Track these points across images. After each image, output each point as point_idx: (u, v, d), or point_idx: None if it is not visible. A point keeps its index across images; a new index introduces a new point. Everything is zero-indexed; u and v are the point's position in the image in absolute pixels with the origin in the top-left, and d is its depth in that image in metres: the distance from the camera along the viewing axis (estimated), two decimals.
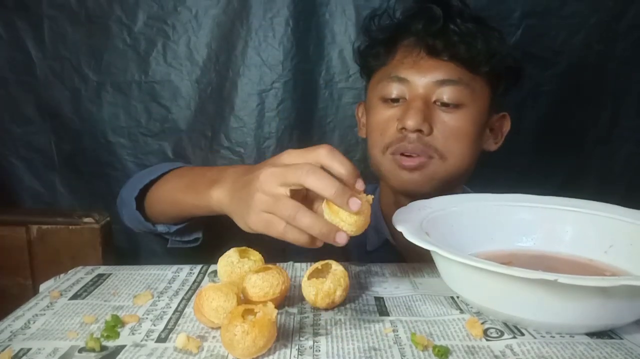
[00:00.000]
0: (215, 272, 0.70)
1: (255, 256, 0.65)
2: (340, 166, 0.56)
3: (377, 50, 0.93)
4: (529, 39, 1.18)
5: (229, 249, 0.65)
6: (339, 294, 0.60)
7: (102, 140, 1.23)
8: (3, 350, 0.51)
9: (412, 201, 0.83)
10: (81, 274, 0.73)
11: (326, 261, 0.62)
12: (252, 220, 0.59)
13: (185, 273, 0.74)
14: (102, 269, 0.75)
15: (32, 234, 1.18)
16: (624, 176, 1.28)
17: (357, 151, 1.22)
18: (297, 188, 0.57)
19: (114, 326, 0.56)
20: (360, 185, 0.57)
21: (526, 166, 1.27)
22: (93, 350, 0.52)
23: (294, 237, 0.56)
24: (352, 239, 0.86)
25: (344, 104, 1.22)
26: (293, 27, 1.17)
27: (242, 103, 1.22)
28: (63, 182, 1.26)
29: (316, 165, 0.56)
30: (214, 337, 0.55)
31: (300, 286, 0.62)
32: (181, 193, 0.79)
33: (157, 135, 1.22)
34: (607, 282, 0.48)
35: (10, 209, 1.25)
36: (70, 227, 1.14)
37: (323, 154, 0.57)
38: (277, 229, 0.57)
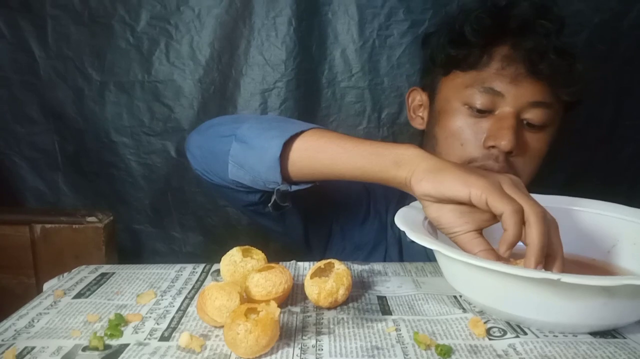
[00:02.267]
0: (218, 271, 0.71)
1: (258, 255, 0.65)
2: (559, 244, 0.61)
3: (469, 51, 0.86)
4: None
5: (232, 248, 0.65)
6: (341, 293, 0.60)
7: (105, 140, 1.23)
8: (7, 349, 0.51)
9: None
10: (84, 273, 0.74)
11: (329, 260, 0.62)
12: (484, 184, 0.58)
13: (188, 271, 0.74)
14: (106, 268, 0.76)
15: (36, 233, 1.18)
16: (626, 176, 1.28)
17: None
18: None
19: (118, 324, 0.56)
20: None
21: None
22: (96, 349, 0.52)
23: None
24: (390, 230, 0.90)
25: (347, 103, 1.22)
26: (296, 26, 1.17)
27: (245, 102, 1.22)
28: (66, 181, 1.27)
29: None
30: (216, 336, 0.55)
31: (303, 285, 0.62)
32: (362, 159, 0.68)
33: (160, 134, 1.23)
34: (611, 281, 0.48)
35: (13, 209, 1.26)
36: (74, 226, 1.14)
37: (554, 227, 0.61)
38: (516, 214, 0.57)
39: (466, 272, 0.57)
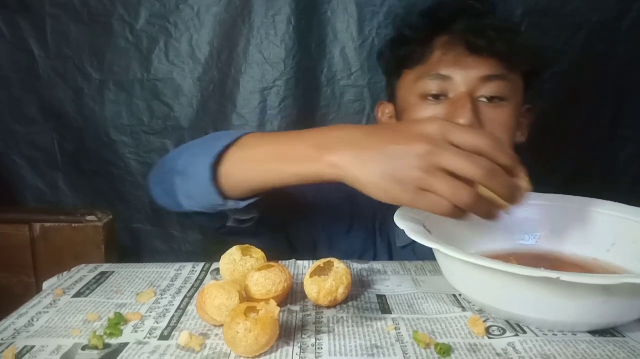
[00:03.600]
0: (217, 270, 0.71)
1: (258, 253, 0.65)
2: (507, 159, 0.56)
3: (411, 49, 0.90)
4: (531, 38, 1.18)
5: (232, 247, 0.65)
6: (341, 292, 0.60)
7: (104, 138, 1.23)
8: (7, 348, 0.51)
9: None
10: (84, 272, 0.74)
11: (328, 259, 0.62)
12: (408, 197, 0.56)
13: (188, 270, 0.74)
14: (105, 267, 0.76)
15: (35, 232, 1.18)
16: (626, 175, 1.28)
17: None
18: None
19: (117, 323, 0.56)
20: (525, 184, 0.59)
21: (528, 164, 1.26)
22: (96, 348, 0.52)
23: (482, 210, 0.57)
24: (378, 238, 0.89)
25: (346, 102, 1.22)
26: (295, 25, 1.17)
27: (245, 101, 1.22)
28: (66, 180, 1.27)
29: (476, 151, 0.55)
30: (216, 335, 0.55)
31: (302, 284, 0.62)
32: (274, 162, 0.67)
33: (160, 133, 1.23)
34: (610, 280, 0.48)
35: (13, 208, 1.26)
36: (74, 225, 1.14)
37: (489, 145, 0.55)
38: (440, 207, 0.55)
39: (465, 271, 0.57)
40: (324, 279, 0.60)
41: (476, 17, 0.87)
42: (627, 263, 0.64)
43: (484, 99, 0.84)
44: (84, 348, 0.52)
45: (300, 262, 0.76)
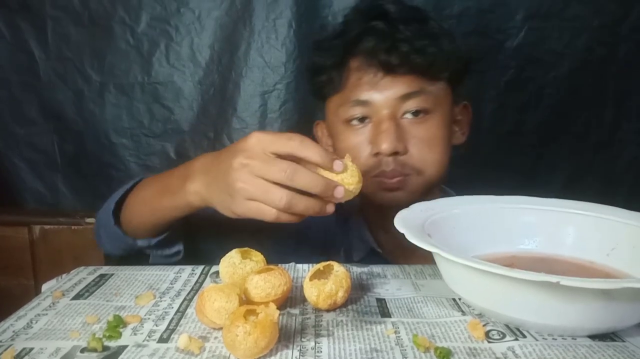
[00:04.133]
0: (217, 273, 0.70)
1: (257, 256, 0.65)
2: (314, 154, 0.59)
3: (328, 76, 0.89)
4: (531, 42, 1.19)
5: (231, 250, 0.65)
6: (340, 295, 0.60)
7: (104, 141, 1.23)
8: (5, 350, 0.51)
9: (393, 210, 0.86)
10: (83, 275, 0.73)
11: (328, 262, 0.62)
12: (240, 208, 0.61)
13: (187, 273, 0.74)
14: (104, 269, 0.75)
15: (35, 234, 1.18)
16: (626, 178, 1.28)
17: None
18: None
19: (116, 326, 0.56)
20: (338, 166, 0.60)
21: (528, 168, 1.27)
22: (95, 350, 0.52)
23: (299, 207, 0.59)
24: (339, 250, 0.90)
25: None
26: (296, 28, 1.17)
27: (245, 104, 1.22)
28: (65, 182, 1.27)
29: (290, 155, 0.59)
30: (215, 338, 0.55)
31: (302, 287, 0.62)
32: (156, 199, 0.77)
33: (160, 136, 1.23)
34: (610, 284, 0.48)
35: (12, 210, 1.26)
36: (73, 227, 1.14)
37: (296, 147, 0.59)
38: (264, 212, 0.60)
39: (465, 275, 0.57)
40: (324, 282, 0.59)
41: (385, 36, 0.83)
42: (627, 267, 0.64)
43: (408, 116, 0.84)
44: (83, 350, 0.52)
45: (299, 266, 0.75)
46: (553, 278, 0.47)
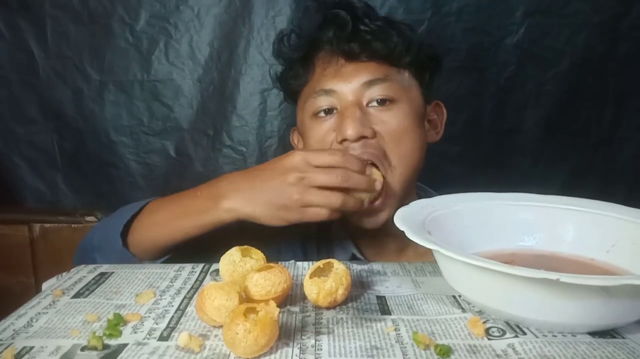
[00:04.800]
0: (217, 271, 0.70)
1: (257, 254, 0.64)
2: (354, 163, 0.75)
3: (295, 71, 0.91)
4: (531, 39, 1.19)
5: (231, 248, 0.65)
6: (340, 293, 0.60)
7: (104, 139, 1.23)
8: (6, 348, 0.51)
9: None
10: (83, 273, 0.73)
11: (328, 260, 0.62)
12: (296, 216, 0.74)
13: (187, 271, 0.74)
14: (105, 267, 0.75)
15: (35, 232, 1.18)
16: (626, 176, 1.28)
17: None
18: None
19: (116, 324, 0.56)
20: (368, 170, 0.77)
21: (528, 165, 1.27)
22: (95, 348, 0.52)
23: (350, 204, 0.75)
24: (316, 255, 0.94)
25: None
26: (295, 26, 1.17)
27: (244, 102, 1.22)
28: (65, 181, 1.27)
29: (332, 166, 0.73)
30: (215, 336, 0.55)
31: (302, 284, 0.62)
32: (179, 220, 0.80)
33: (160, 134, 1.23)
34: (610, 281, 0.48)
35: (12, 208, 1.26)
36: (73, 225, 1.14)
37: (338, 159, 0.74)
38: (321, 214, 0.74)
39: (465, 272, 0.57)
40: (324, 280, 0.59)
41: (347, 24, 0.84)
42: (626, 264, 0.64)
43: (374, 104, 0.83)
44: (83, 348, 0.52)
45: (299, 264, 0.75)
46: (553, 275, 0.47)
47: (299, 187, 0.72)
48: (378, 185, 0.78)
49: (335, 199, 0.72)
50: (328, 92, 0.84)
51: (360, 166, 0.75)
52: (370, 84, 0.83)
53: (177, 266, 0.76)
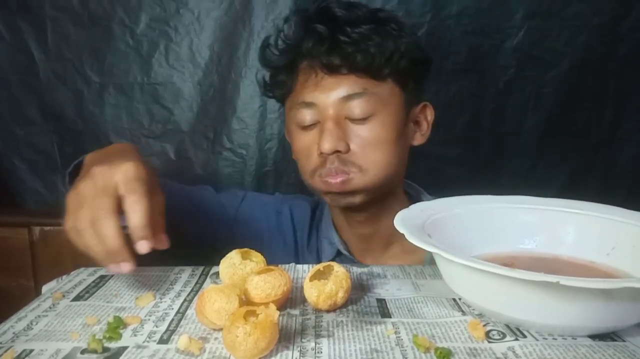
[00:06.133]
0: (217, 273, 0.70)
1: (257, 257, 0.65)
2: (133, 214, 0.61)
3: (280, 79, 0.91)
4: (531, 41, 1.19)
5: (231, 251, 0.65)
6: (340, 295, 0.60)
7: (104, 141, 1.23)
8: (6, 351, 0.51)
9: (355, 212, 0.92)
10: (83, 276, 0.73)
11: (328, 263, 0.62)
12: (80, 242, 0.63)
13: (187, 274, 0.74)
14: (105, 270, 0.75)
15: (35, 235, 1.18)
16: (626, 178, 1.28)
17: None
18: None
19: (116, 327, 0.56)
20: (142, 247, 0.63)
21: (528, 167, 1.27)
22: (95, 351, 0.52)
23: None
24: (311, 252, 0.96)
25: None
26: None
27: (244, 105, 1.22)
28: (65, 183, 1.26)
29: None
30: (215, 338, 0.55)
31: (302, 287, 0.62)
32: None
33: (160, 137, 1.23)
34: (610, 284, 0.48)
35: (12, 211, 1.26)
36: None
37: (120, 186, 0.61)
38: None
39: (465, 275, 0.57)
40: (324, 283, 0.59)
41: (324, 37, 0.84)
42: (627, 267, 0.64)
43: (354, 116, 0.84)
44: (83, 351, 0.52)
45: (299, 266, 0.76)
46: (553, 278, 0.47)
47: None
48: (126, 268, 0.63)
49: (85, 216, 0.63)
50: (309, 104, 0.85)
51: (138, 226, 0.62)
52: (349, 98, 0.83)
53: (177, 268, 0.76)
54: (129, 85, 1.21)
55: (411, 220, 0.65)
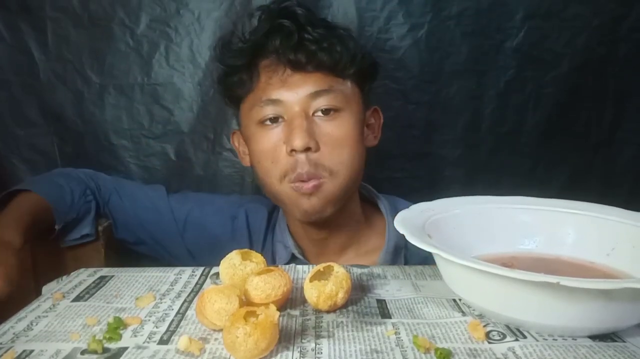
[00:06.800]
0: (217, 274, 0.71)
1: (258, 258, 0.65)
2: None
3: (239, 77, 0.91)
4: (531, 42, 1.18)
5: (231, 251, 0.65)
6: (341, 296, 0.60)
7: (104, 142, 1.23)
8: (6, 352, 0.51)
9: (315, 227, 0.93)
10: (84, 276, 0.73)
11: (328, 264, 0.62)
12: None
13: (188, 274, 0.74)
14: (105, 271, 0.76)
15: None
16: (626, 179, 1.28)
17: None
18: None
19: (116, 328, 0.56)
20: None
21: (528, 168, 1.27)
22: (95, 352, 0.52)
23: None
24: (267, 256, 0.95)
25: None
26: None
27: None
28: None
29: None
30: (216, 339, 0.55)
31: (302, 288, 0.62)
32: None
33: (160, 137, 1.23)
34: (610, 285, 0.48)
35: None
36: None
37: None
38: None
39: (465, 275, 0.57)
40: (324, 283, 0.60)
41: (292, 34, 0.85)
42: (626, 267, 0.64)
43: (320, 113, 0.85)
44: (83, 352, 0.52)
45: (299, 267, 0.76)
46: (553, 279, 0.47)
47: None
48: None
49: None
50: (274, 102, 0.85)
51: None
52: (316, 95, 0.84)
53: (177, 269, 0.76)
54: (129, 85, 1.21)
55: (411, 221, 0.65)
